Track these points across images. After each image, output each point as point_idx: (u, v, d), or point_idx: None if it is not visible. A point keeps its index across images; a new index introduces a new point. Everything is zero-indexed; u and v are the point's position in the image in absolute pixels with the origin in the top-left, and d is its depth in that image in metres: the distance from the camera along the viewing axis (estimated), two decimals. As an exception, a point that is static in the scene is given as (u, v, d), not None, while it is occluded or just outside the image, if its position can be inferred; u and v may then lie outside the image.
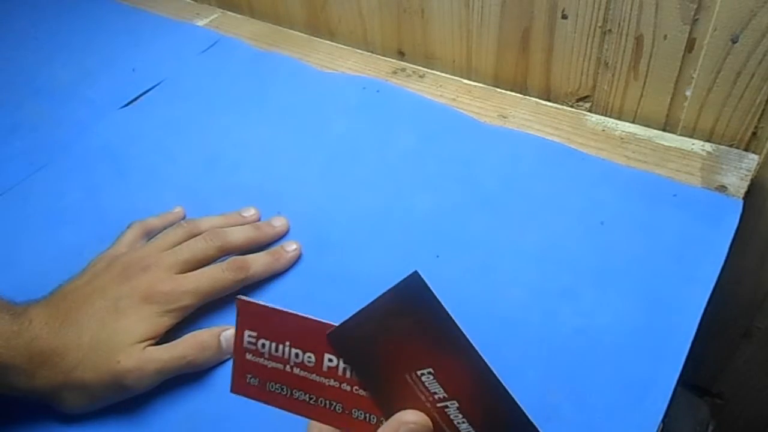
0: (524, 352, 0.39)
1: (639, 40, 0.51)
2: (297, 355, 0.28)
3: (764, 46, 0.46)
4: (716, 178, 0.49)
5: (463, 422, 0.26)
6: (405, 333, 0.26)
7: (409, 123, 0.57)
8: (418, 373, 0.26)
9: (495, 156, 0.53)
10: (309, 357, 0.28)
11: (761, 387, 0.67)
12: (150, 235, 0.46)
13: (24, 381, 0.36)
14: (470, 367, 0.25)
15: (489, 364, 0.25)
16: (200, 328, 0.41)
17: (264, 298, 0.44)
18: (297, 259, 0.46)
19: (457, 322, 0.25)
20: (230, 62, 0.67)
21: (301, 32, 0.71)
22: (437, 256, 0.45)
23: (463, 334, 0.25)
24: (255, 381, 0.29)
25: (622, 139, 0.53)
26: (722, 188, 0.48)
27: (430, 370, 0.26)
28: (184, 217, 0.49)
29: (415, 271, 0.25)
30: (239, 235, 0.45)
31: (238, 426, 0.38)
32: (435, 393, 0.26)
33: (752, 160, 0.50)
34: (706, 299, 0.41)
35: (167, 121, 0.60)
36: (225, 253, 0.44)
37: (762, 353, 0.64)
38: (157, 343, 0.39)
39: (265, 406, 0.29)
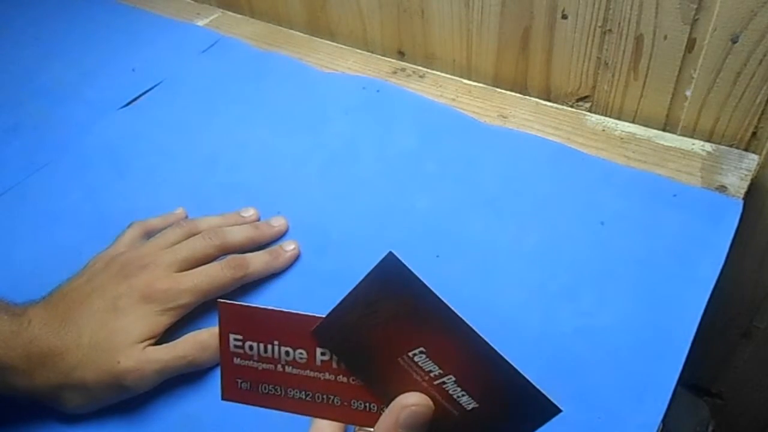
0: (524, 352, 0.39)
1: (639, 40, 0.51)
2: (287, 352, 0.28)
3: (764, 46, 0.46)
4: (716, 178, 0.49)
5: (463, 395, 0.25)
6: (390, 316, 0.26)
7: (409, 123, 0.57)
8: (410, 354, 0.26)
9: (495, 156, 0.53)
10: (300, 353, 0.27)
11: (761, 387, 0.67)
12: (150, 235, 0.46)
13: (23, 381, 0.36)
14: (460, 339, 0.25)
15: (479, 333, 0.24)
16: (200, 328, 0.41)
17: (263, 299, 0.44)
18: (296, 258, 0.46)
19: (440, 296, 0.24)
20: (230, 62, 0.67)
21: (301, 32, 0.71)
22: (437, 256, 0.45)
23: (448, 307, 0.25)
24: (246, 385, 0.28)
25: (622, 139, 0.53)
26: (722, 188, 0.48)
27: (422, 348, 0.25)
28: (185, 218, 0.49)
29: (390, 252, 0.25)
30: (238, 234, 0.45)
31: (237, 427, 0.38)
32: (430, 371, 0.26)
33: (752, 160, 0.50)
34: (706, 299, 0.41)
35: (167, 121, 0.60)
36: (224, 251, 0.44)
37: (762, 353, 0.64)
38: (157, 343, 0.39)
39: (261, 409, 0.29)
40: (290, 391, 0.28)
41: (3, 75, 0.68)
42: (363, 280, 0.26)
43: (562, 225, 0.46)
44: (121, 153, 0.57)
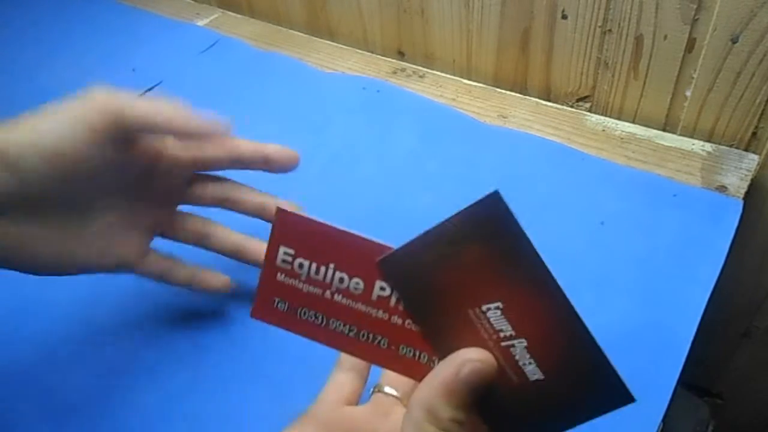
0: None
1: (639, 40, 0.51)
2: (342, 279, 0.24)
3: (764, 46, 0.46)
4: (716, 178, 0.49)
5: (530, 363, 0.23)
6: (474, 262, 0.23)
7: (409, 123, 0.57)
8: (484, 308, 0.23)
9: (495, 156, 0.53)
10: (356, 283, 0.24)
11: (761, 387, 0.67)
12: None
13: None
14: (547, 303, 0.22)
15: (570, 301, 0.22)
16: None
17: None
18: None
19: (538, 251, 0.22)
20: (230, 62, 0.67)
21: (301, 32, 0.71)
22: (437, 256, 0.45)
23: (546, 267, 0.22)
24: (284, 306, 0.25)
25: (622, 139, 0.53)
26: (722, 188, 0.48)
27: (498, 304, 0.23)
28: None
29: (496, 191, 0.22)
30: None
31: (238, 426, 0.38)
32: (500, 330, 0.23)
33: (752, 160, 0.50)
34: (706, 299, 0.41)
35: (167, 121, 0.60)
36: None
37: (762, 353, 0.64)
38: None
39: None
40: (332, 323, 0.25)
41: (3, 75, 0.68)
42: (455, 214, 0.23)
43: (562, 225, 0.46)
44: (121, 153, 0.57)
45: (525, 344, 0.23)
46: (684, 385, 0.50)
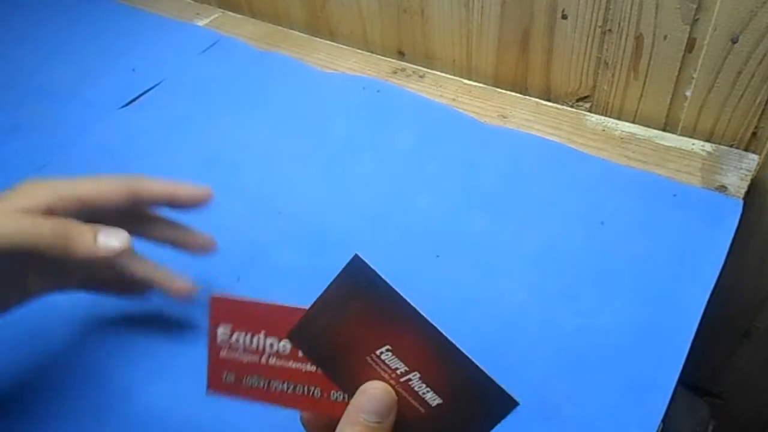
0: (524, 352, 0.40)
1: (639, 40, 0.51)
2: (272, 344, 0.29)
3: (764, 46, 0.46)
4: (716, 178, 0.49)
5: (428, 391, 0.26)
6: (359, 316, 0.27)
7: (409, 123, 0.57)
8: (378, 352, 0.27)
9: (495, 156, 0.53)
10: (284, 344, 0.28)
11: (761, 387, 0.67)
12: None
13: None
14: (424, 336, 0.26)
15: (442, 331, 0.25)
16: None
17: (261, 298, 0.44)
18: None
19: (404, 296, 0.26)
20: (230, 62, 0.67)
21: (301, 32, 0.71)
22: (437, 256, 0.45)
23: (412, 307, 0.26)
24: (231, 377, 0.29)
25: (622, 139, 0.53)
26: (722, 188, 0.48)
27: (388, 347, 0.26)
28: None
29: (356, 255, 0.26)
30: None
31: (237, 428, 0.38)
32: (396, 368, 0.26)
33: (752, 160, 0.50)
34: (706, 299, 0.41)
35: (167, 121, 0.60)
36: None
37: (762, 353, 0.64)
38: None
39: (245, 405, 0.29)
40: (273, 383, 0.29)
41: (3, 75, 0.68)
42: (331, 283, 0.27)
43: (562, 225, 0.46)
44: (121, 153, 0.57)
45: (419, 376, 0.26)
46: (684, 385, 0.50)
